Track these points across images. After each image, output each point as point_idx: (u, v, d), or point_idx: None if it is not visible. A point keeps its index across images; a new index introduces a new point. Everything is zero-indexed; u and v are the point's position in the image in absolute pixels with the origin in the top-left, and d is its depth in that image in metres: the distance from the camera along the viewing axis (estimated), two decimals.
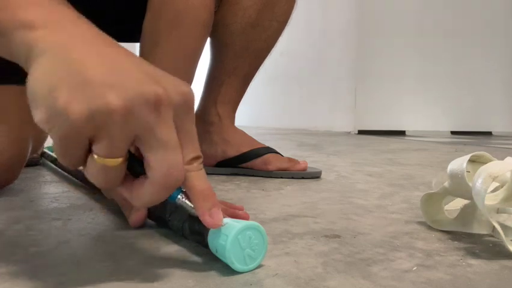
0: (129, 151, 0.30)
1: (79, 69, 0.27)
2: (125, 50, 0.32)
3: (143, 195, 0.30)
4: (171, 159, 0.29)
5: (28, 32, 0.29)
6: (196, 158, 0.31)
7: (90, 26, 0.32)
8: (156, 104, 0.28)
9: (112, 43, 0.32)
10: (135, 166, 0.30)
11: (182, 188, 0.33)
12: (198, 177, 0.31)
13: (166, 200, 0.32)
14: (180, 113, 0.30)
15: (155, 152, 0.28)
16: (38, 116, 0.27)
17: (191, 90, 0.31)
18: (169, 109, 0.28)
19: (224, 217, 0.34)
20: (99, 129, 0.26)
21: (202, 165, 0.32)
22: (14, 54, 0.30)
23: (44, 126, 0.27)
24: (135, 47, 0.71)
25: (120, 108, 0.26)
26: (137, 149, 0.30)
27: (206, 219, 0.31)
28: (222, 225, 0.32)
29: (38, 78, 0.27)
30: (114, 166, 0.28)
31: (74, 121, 0.26)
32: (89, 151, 0.28)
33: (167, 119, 0.28)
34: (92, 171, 0.29)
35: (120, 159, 0.28)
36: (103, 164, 0.28)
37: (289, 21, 0.84)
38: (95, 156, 0.28)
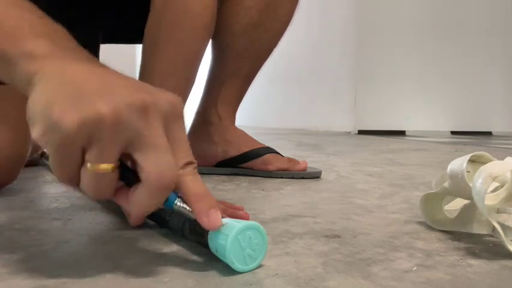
0: (123, 163, 0.31)
1: (72, 85, 0.29)
2: (117, 71, 0.33)
3: (140, 200, 0.30)
4: (162, 161, 0.29)
5: (29, 61, 0.31)
6: (189, 163, 0.32)
7: (87, 54, 0.34)
8: (144, 110, 0.29)
9: (104, 66, 0.34)
10: (129, 176, 0.31)
11: (178, 193, 0.33)
12: (193, 181, 0.32)
13: (164, 206, 0.33)
14: (169, 121, 0.31)
15: (146, 155, 0.29)
16: (35, 131, 0.29)
17: (179, 100, 0.32)
18: (157, 115, 0.30)
19: (224, 217, 0.34)
20: (91, 136, 0.28)
21: (196, 170, 0.32)
22: (16, 80, 0.32)
23: (41, 140, 0.28)
24: (137, 49, 0.72)
25: (109, 114, 0.27)
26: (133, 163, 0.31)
27: (204, 221, 0.32)
28: (222, 225, 0.32)
29: (35, 99, 0.29)
30: (105, 173, 0.29)
31: (67, 130, 0.27)
32: (83, 163, 0.29)
33: (155, 124, 0.29)
34: (84, 181, 0.30)
35: (111, 166, 0.29)
36: (94, 171, 0.29)
37: (291, 22, 0.84)
38: (88, 165, 0.29)
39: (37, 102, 0.29)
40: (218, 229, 0.32)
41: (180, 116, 0.32)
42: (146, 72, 0.65)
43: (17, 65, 0.31)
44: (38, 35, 0.32)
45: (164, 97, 0.31)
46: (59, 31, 0.35)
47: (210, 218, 0.31)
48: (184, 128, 0.33)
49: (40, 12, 0.36)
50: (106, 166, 0.29)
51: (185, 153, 0.32)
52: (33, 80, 0.30)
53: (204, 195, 0.32)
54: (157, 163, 0.29)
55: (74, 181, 0.30)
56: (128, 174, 0.31)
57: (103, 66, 0.34)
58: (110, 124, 0.28)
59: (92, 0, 0.78)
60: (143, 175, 0.29)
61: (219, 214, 0.32)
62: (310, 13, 3.26)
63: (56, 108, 0.28)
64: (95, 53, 0.89)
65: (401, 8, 2.79)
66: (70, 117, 0.27)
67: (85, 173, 0.29)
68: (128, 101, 0.29)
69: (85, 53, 0.34)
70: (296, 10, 0.84)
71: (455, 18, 2.88)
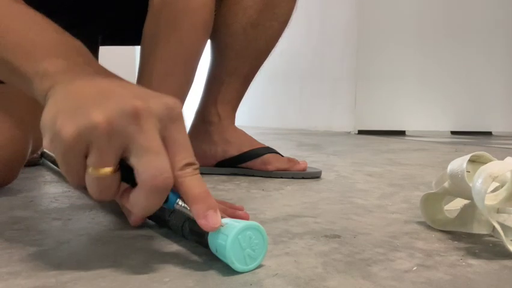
0: (126, 165, 0.32)
1: (73, 98, 0.32)
2: (121, 80, 0.36)
3: (137, 201, 0.32)
4: (155, 163, 0.31)
5: (44, 79, 0.35)
6: (189, 164, 0.32)
7: (96, 68, 0.38)
8: (135, 116, 0.30)
9: (110, 76, 0.37)
10: (132, 178, 0.32)
11: (179, 194, 0.33)
12: (192, 182, 0.32)
13: (165, 206, 0.33)
14: (166, 123, 0.32)
15: (140, 158, 0.31)
16: (45, 141, 0.32)
17: (176, 102, 0.33)
18: (149, 119, 0.31)
19: (224, 217, 0.34)
20: (88, 144, 0.30)
21: (197, 171, 0.33)
22: (34, 94, 0.37)
23: (49, 148, 0.32)
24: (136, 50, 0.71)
25: (102, 122, 0.30)
26: None
27: (202, 223, 0.32)
28: (222, 226, 0.32)
29: (45, 111, 0.33)
30: (105, 176, 0.31)
31: (66, 140, 0.30)
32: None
33: (147, 128, 0.31)
34: (88, 184, 0.32)
35: (109, 169, 0.31)
36: (95, 174, 0.31)
37: (289, 22, 0.84)
38: (89, 170, 0.31)
39: (46, 114, 0.32)
40: (216, 230, 0.32)
41: (178, 118, 0.33)
42: (146, 72, 0.65)
43: (33, 82, 0.36)
44: (52, 54, 0.37)
45: (159, 101, 0.32)
46: (73, 47, 0.39)
47: (207, 219, 0.32)
48: (183, 130, 0.33)
49: (56, 28, 0.40)
50: (105, 170, 0.31)
51: (186, 154, 0.32)
52: (47, 95, 0.34)
53: (203, 196, 0.32)
54: (150, 166, 0.30)
55: (82, 184, 0.32)
56: (130, 176, 0.32)
57: (109, 76, 0.36)
58: (104, 131, 0.30)
59: (91, 2, 0.78)
60: (138, 178, 0.31)
61: (218, 215, 0.32)
62: (310, 13, 3.26)
63: (58, 120, 0.31)
64: (93, 55, 0.89)
65: (401, 8, 2.79)
66: (68, 128, 0.30)
67: (88, 176, 0.31)
68: (120, 107, 0.30)
69: (94, 66, 0.38)
70: (294, 10, 0.84)
71: (455, 18, 2.88)
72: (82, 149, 0.30)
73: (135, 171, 0.31)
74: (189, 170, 0.32)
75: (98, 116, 0.30)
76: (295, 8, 0.84)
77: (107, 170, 0.31)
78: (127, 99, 0.31)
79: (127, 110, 0.30)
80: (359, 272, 0.33)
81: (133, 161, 0.31)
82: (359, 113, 2.77)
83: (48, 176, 0.82)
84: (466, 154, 0.43)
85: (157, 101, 0.32)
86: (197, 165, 0.33)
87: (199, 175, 0.33)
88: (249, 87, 0.88)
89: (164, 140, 0.32)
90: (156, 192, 0.31)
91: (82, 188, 0.33)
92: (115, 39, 0.90)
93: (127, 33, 0.86)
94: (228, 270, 0.32)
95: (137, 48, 0.71)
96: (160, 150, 0.31)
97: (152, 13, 0.66)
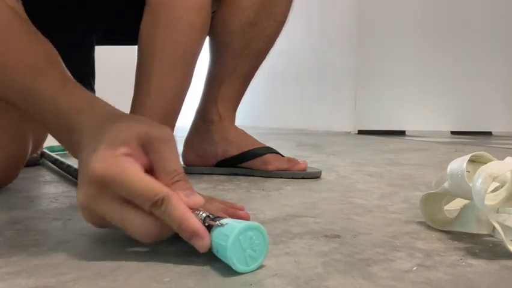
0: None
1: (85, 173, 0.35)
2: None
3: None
4: (138, 230, 0.35)
5: (73, 134, 0.39)
6: (174, 175, 0.36)
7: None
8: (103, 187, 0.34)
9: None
10: None
11: None
12: (175, 206, 0.34)
13: None
14: (148, 148, 0.36)
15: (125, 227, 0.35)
16: None
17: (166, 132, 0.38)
18: (111, 192, 0.35)
19: (224, 217, 0.34)
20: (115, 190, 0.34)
21: (182, 180, 0.36)
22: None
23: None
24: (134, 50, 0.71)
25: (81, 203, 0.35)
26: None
27: (193, 244, 0.34)
28: (222, 226, 0.32)
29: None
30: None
31: (82, 214, 0.36)
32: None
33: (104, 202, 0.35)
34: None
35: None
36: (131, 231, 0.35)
37: (286, 21, 0.85)
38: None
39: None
40: (219, 228, 0.32)
41: (157, 146, 0.36)
42: (144, 73, 0.65)
43: (64, 136, 0.42)
44: (79, 111, 0.40)
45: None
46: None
47: (195, 245, 0.34)
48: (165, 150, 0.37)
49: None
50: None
51: (172, 170, 0.36)
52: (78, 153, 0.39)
53: (184, 220, 0.33)
54: (136, 232, 0.35)
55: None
56: None
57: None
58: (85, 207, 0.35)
59: (87, 2, 0.78)
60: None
61: (202, 238, 0.33)
62: (311, 13, 3.26)
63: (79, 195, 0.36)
64: (89, 54, 0.89)
65: (401, 8, 2.79)
66: (81, 199, 0.36)
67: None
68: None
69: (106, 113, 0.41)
70: (291, 11, 0.85)
71: (455, 19, 2.88)
72: (100, 215, 0.35)
73: None
74: (178, 182, 0.36)
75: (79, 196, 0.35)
76: (291, 8, 0.85)
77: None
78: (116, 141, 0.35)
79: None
80: (359, 272, 0.33)
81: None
82: (359, 113, 2.77)
83: (48, 176, 0.82)
84: (466, 154, 0.43)
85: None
86: (181, 173, 0.37)
87: (183, 192, 0.35)
88: (248, 87, 0.88)
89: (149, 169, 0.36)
90: (154, 238, 0.35)
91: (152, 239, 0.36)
92: (110, 39, 0.90)
93: (123, 33, 0.86)
94: (228, 270, 0.32)
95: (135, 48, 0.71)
96: (134, 219, 0.34)
97: (149, 13, 0.66)
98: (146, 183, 0.34)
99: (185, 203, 0.34)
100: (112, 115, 0.40)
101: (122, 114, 0.41)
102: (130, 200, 0.34)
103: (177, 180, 0.36)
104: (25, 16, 0.50)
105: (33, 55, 0.43)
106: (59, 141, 0.43)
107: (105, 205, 0.34)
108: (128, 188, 0.33)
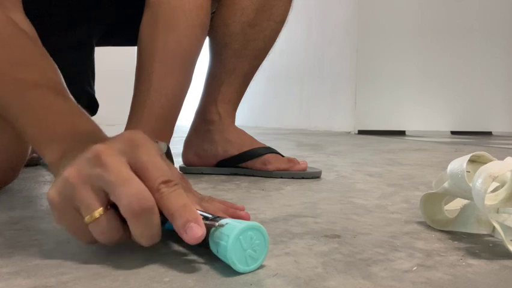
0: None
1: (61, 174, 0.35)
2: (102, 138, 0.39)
3: (134, 232, 0.33)
4: (127, 191, 0.32)
5: (54, 166, 0.39)
6: (164, 182, 0.33)
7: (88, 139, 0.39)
8: (96, 157, 0.33)
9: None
10: None
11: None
12: (170, 200, 0.33)
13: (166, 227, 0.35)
14: (130, 152, 0.34)
15: (113, 192, 0.32)
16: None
17: (133, 131, 0.36)
18: (110, 156, 0.33)
19: (225, 217, 0.34)
20: (71, 197, 0.33)
21: (175, 187, 0.33)
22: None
23: (57, 222, 0.35)
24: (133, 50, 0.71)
25: (71, 173, 0.33)
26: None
27: (183, 237, 0.32)
28: (222, 226, 0.32)
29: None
30: (99, 218, 0.33)
31: (51, 202, 0.34)
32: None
33: (110, 164, 0.33)
34: (93, 234, 0.34)
35: (99, 210, 0.32)
36: (89, 221, 0.33)
37: (286, 22, 0.85)
38: (85, 219, 0.33)
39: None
40: (219, 228, 0.32)
41: (141, 143, 0.35)
42: (144, 73, 0.65)
43: (45, 159, 0.41)
44: (59, 140, 0.40)
45: (118, 140, 0.35)
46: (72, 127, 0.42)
47: (187, 232, 0.32)
48: (150, 151, 0.34)
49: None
50: (95, 213, 0.32)
51: (159, 173, 0.33)
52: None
53: (180, 211, 0.32)
54: (122, 196, 0.32)
55: (92, 239, 0.34)
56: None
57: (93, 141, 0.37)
58: (75, 180, 0.33)
59: (86, 3, 0.78)
60: (121, 211, 0.32)
61: (199, 226, 0.32)
62: (311, 13, 3.26)
63: (50, 190, 0.34)
64: (89, 55, 0.89)
65: (401, 8, 2.80)
66: (50, 192, 0.34)
67: (89, 227, 0.33)
68: (83, 155, 0.34)
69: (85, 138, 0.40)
70: (291, 10, 0.85)
71: (455, 19, 2.88)
72: (68, 204, 0.33)
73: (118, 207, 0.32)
74: (164, 188, 0.33)
75: (68, 171, 0.33)
76: (291, 8, 0.85)
77: (97, 211, 0.32)
78: (89, 147, 0.34)
79: (89, 155, 0.33)
80: (359, 272, 0.33)
81: (112, 198, 0.32)
82: (359, 113, 2.77)
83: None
84: (466, 154, 0.43)
85: (115, 140, 0.35)
86: (174, 181, 0.33)
87: (178, 190, 0.33)
88: (248, 87, 0.88)
89: (135, 167, 0.33)
90: (139, 217, 0.32)
91: (95, 242, 0.34)
92: (110, 40, 0.90)
93: (123, 33, 0.86)
94: (228, 270, 0.32)
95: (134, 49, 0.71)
96: (128, 178, 0.32)
97: (149, 14, 0.66)
98: (162, 164, 0.34)
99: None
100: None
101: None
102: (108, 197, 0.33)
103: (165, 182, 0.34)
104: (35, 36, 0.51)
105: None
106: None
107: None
108: (147, 157, 0.34)
